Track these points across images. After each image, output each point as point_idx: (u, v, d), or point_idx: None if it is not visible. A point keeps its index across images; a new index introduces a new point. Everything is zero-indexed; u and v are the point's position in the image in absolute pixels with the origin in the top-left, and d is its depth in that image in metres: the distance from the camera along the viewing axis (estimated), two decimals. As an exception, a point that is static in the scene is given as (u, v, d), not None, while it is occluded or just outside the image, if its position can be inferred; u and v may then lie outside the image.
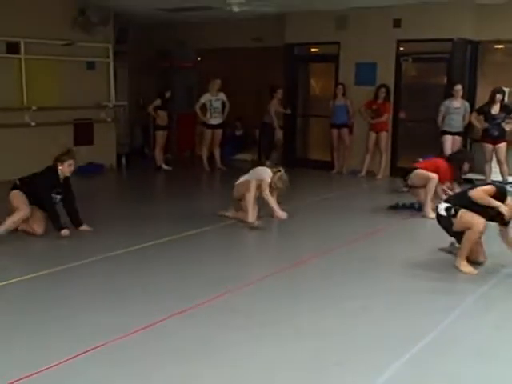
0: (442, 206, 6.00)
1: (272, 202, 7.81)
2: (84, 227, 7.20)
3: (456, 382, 3.76)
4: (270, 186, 7.76)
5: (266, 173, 7.86)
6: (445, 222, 6.00)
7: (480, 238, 5.88)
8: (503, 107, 10.18)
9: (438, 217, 6.08)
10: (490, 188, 5.85)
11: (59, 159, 7.06)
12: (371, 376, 3.78)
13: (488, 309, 5.00)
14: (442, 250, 6.47)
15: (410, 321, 4.69)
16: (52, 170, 7.09)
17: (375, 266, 6.14)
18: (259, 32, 13.02)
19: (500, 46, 11.49)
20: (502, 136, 10.22)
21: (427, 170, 8.20)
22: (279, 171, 7.87)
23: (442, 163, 8.26)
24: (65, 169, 7.04)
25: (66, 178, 7.15)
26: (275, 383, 3.72)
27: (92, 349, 4.06)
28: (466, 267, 5.88)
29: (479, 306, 5.07)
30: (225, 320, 4.68)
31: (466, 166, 8.29)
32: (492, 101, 10.17)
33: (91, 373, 3.80)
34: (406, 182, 8.54)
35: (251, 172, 8.01)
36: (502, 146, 10.24)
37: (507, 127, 10.20)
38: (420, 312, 4.90)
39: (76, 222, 7.18)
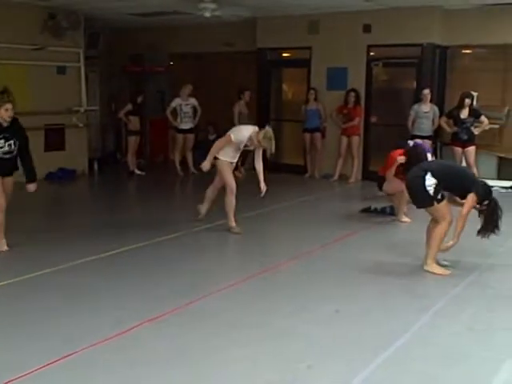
0: (431, 181, 5.80)
1: (260, 171, 7.69)
2: (32, 186, 6.67)
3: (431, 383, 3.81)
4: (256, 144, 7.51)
5: (246, 130, 7.63)
6: (419, 193, 5.92)
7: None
8: (472, 111, 10.34)
9: (417, 183, 5.91)
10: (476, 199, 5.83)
11: None
12: (345, 379, 3.81)
13: (460, 310, 5.07)
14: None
15: (383, 323, 4.74)
16: None
17: (349, 269, 6.19)
18: (231, 37, 13.05)
19: (468, 51, 11.69)
20: (470, 140, 10.37)
21: (388, 167, 8.19)
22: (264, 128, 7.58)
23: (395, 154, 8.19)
24: (2, 114, 6.37)
25: (13, 122, 6.48)
26: (259, 374, 3.74)
27: (62, 358, 4.03)
28: (437, 269, 5.97)
29: (451, 308, 5.13)
30: (198, 325, 4.68)
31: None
32: (461, 105, 10.32)
33: (62, 382, 3.77)
34: (381, 189, 8.58)
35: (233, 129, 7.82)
36: (471, 149, 10.40)
37: (476, 131, 10.37)
38: (393, 315, 4.95)
39: (28, 175, 6.63)
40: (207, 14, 10.42)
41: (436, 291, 5.55)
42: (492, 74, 11.28)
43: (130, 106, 12.21)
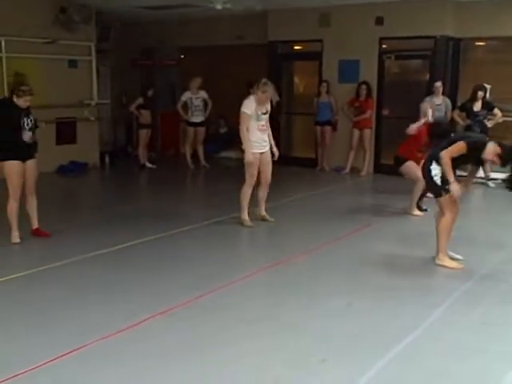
0: (436, 170, 5.82)
1: (270, 137, 7.64)
2: (32, 162, 6.91)
3: (442, 379, 3.78)
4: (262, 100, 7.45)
5: (248, 100, 7.57)
6: (429, 182, 6.00)
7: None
8: (485, 104, 10.25)
9: (426, 171, 5.95)
10: (460, 146, 5.66)
11: (16, 93, 6.58)
12: (356, 373, 3.79)
13: (473, 305, 5.03)
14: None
15: (395, 318, 4.71)
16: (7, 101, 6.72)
17: (361, 263, 6.16)
18: (242, 30, 13.00)
19: (481, 43, 11.58)
20: (484, 133, 10.27)
21: (412, 146, 8.01)
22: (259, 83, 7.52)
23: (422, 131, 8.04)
24: (20, 103, 6.58)
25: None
26: (260, 381, 3.72)
27: (73, 350, 4.04)
28: (450, 263, 5.92)
29: (464, 303, 5.09)
30: (209, 319, 4.67)
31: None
32: (474, 98, 10.24)
33: (74, 373, 3.78)
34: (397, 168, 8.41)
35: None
36: None
37: (489, 124, 10.28)
38: (404, 309, 4.92)
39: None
40: (218, 7, 10.40)
41: (448, 285, 5.50)
42: (505, 67, 11.16)
43: (141, 100, 12.21)
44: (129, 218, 8.01)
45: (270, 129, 7.65)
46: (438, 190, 5.86)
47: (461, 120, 10.51)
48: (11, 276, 5.55)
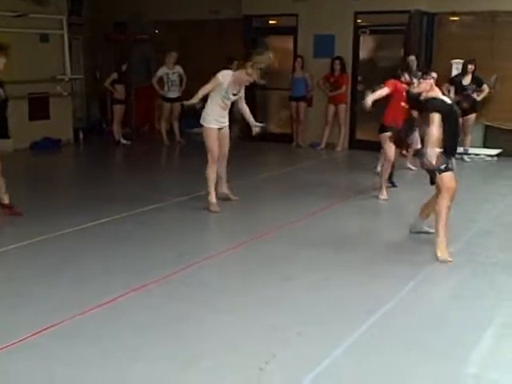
0: (434, 152, 5.45)
1: (247, 111, 7.38)
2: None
3: (416, 349, 3.85)
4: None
5: (221, 73, 7.07)
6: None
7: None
8: (474, 79, 10.39)
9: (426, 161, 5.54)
10: (436, 118, 5.49)
11: None
12: (331, 346, 3.84)
13: (446, 277, 5.12)
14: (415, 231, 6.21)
15: (370, 291, 4.77)
16: None
17: (336, 237, 6.21)
18: (217, 4, 12.88)
19: (455, 18, 11.59)
20: (471, 107, 10.42)
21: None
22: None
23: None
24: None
25: None
26: (237, 354, 3.76)
27: (49, 327, 4.04)
28: (443, 252, 5.48)
29: (438, 275, 5.18)
30: (185, 294, 4.69)
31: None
32: (464, 71, 10.38)
33: (50, 350, 3.79)
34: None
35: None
36: (471, 117, 10.51)
37: (478, 97, 10.41)
38: (379, 282, 4.98)
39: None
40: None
41: (421, 259, 5.57)
42: (480, 42, 11.21)
43: (115, 75, 12.04)
44: (103, 195, 7.94)
45: (246, 105, 7.42)
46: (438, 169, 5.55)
47: (449, 93, 10.60)
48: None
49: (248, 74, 6.96)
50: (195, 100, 6.98)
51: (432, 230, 5.95)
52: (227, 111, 7.19)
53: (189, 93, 12.75)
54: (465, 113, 10.42)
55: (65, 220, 6.59)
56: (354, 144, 11.84)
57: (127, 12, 13.83)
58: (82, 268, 5.23)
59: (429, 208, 5.99)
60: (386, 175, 7.90)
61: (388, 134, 7.70)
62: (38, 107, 11.74)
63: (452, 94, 10.55)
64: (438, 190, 5.68)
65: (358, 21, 11.61)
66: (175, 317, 4.28)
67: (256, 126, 7.39)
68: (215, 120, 7.09)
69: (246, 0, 12.42)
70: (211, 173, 7.11)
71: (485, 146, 11.14)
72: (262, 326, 4.13)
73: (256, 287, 4.82)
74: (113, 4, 13.84)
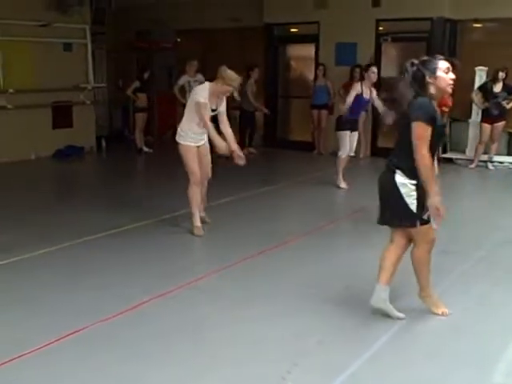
0: (410, 187, 4.04)
1: (229, 134, 6.36)
2: None
3: (437, 359, 3.80)
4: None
5: (203, 87, 6.40)
6: (394, 206, 4.15)
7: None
8: (505, 86, 10.33)
9: (398, 196, 4.08)
10: (422, 129, 3.92)
11: None
12: (352, 354, 3.81)
13: (469, 286, 5.05)
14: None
15: (392, 298, 4.71)
16: None
17: (359, 246, 6.16)
18: (238, 12, 12.92)
19: (478, 25, 11.52)
20: (501, 115, 10.37)
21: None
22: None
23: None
24: None
25: None
26: (258, 363, 3.74)
27: (71, 333, 4.05)
28: (438, 307, 4.43)
29: (460, 284, 5.11)
30: (205, 302, 4.70)
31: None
32: (495, 78, 10.34)
33: (72, 357, 3.80)
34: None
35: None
36: (500, 124, 10.45)
37: (508, 105, 10.35)
38: (401, 289, 4.93)
39: None
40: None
41: (445, 267, 5.49)
42: (502, 49, 11.12)
43: (137, 83, 12.14)
44: (127, 202, 7.98)
45: (228, 124, 6.42)
46: (414, 219, 4.09)
47: (477, 100, 10.54)
48: (6, 261, 5.55)
49: (227, 84, 6.19)
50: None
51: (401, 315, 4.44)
52: (205, 129, 6.32)
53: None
54: (494, 120, 10.39)
55: (88, 226, 6.63)
56: (376, 151, 11.78)
57: (150, 21, 13.94)
58: (103, 274, 5.26)
59: (390, 267, 4.35)
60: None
61: None
62: (62, 115, 11.87)
63: (480, 102, 10.50)
64: (402, 240, 4.32)
65: (380, 28, 11.58)
66: (195, 324, 4.27)
67: (239, 158, 6.22)
68: (191, 138, 6.38)
69: (268, 8, 12.45)
70: (194, 194, 6.43)
71: (509, 154, 11.03)
72: (280, 335, 4.10)
73: (274, 296, 4.79)
74: (135, 13, 13.97)
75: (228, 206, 7.69)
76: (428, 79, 4.07)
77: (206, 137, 6.44)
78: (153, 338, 4.05)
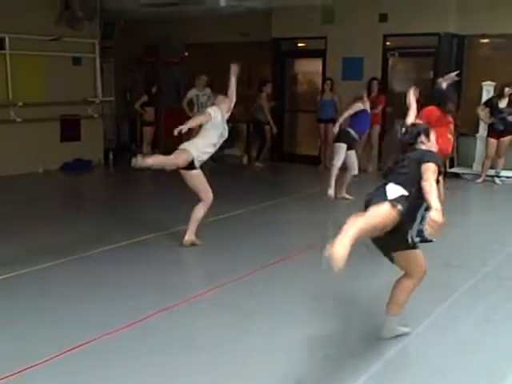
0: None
1: None
2: None
3: (446, 374, 3.77)
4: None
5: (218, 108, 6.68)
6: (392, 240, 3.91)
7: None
8: (511, 102, 10.35)
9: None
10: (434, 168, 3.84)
11: None
12: (359, 368, 3.78)
13: (477, 301, 5.02)
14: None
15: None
16: None
17: (365, 257, 6.13)
18: (246, 27, 12.98)
19: (486, 41, 11.55)
20: (507, 130, 10.38)
21: None
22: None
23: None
24: None
25: None
26: (266, 373, 3.72)
27: (77, 346, 4.05)
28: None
29: (468, 299, 5.09)
30: (212, 315, 4.69)
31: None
32: (501, 94, 10.35)
33: (78, 369, 3.80)
34: None
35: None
36: (506, 139, 10.47)
37: None
38: (409, 305, 4.91)
39: None
40: (222, 4, 10.39)
41: (452, 282, 5.49)
42: (510, 64, 11.13)
43: (145, 97, 12.23)
44: (131, 216, 7.99)
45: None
46: (399, 243, 3.97)
47: (483, 115, 10.53)
48: (13, 273, 5.56)
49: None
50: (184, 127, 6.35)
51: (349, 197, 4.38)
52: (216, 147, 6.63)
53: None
54: (500, 135, 10.39)
55: (96, 239, 6.64)
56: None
57: (158, 35, 14.03)
58: (109, 287, 5.26)
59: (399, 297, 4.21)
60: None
61: None
62: (70, 129, 11.93)
63: (487, 117, 10.50)
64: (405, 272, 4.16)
65: (387, 43, 11.62)
66: (200, 338, 4.27)
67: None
68: (202, 159, 6.51)
69: (275, 23, 12.52)
70: (203, 213, 6.47)
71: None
72: (288, 347, 4.09)
73: (282, 308, 4.79)
74: (144, 28, 14.05)
75: (230, 220, 7.69)
76: (423, 139, 4.17)
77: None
78: (158, 351, 4.04)
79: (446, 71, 10.90)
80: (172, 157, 6.34)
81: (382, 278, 5.56)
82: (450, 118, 7.55)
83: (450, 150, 7.65)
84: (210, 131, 6.45)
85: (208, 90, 12.31)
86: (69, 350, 3.98)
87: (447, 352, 4.08)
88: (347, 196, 8.89)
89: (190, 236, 6.44)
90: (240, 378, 3.70)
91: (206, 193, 6.41)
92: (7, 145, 10.66)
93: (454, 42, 11.26)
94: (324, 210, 8.49)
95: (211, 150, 6.52)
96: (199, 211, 6.41)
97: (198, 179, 6.39)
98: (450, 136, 7.41)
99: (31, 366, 3.76)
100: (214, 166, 11.03)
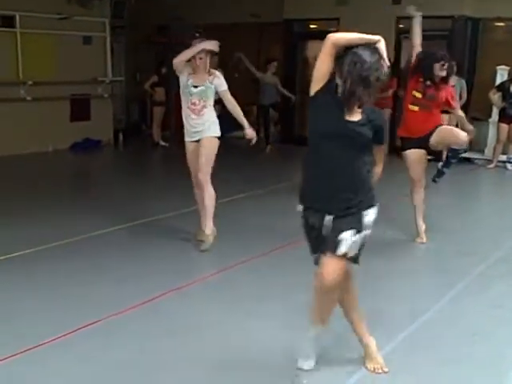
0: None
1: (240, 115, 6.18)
2: None
3: (451, 364, 3.73)
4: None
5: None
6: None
7: None
8: None
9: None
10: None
11: None
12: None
13: (486, 288, 4.98)
14: None
15: (408, 300, 4.67)
16: None
17: (377, 245, 6.07)
18: (257, 7, 12.87)
19: (501, 24, 11.39)
20: None
21: None
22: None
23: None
24: None
25: None
26: (276, 353, 3.71)
27: (84, 326, 4.05)
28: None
29: (477, 285, 5.04)
30: (219, 297, 4.67)
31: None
32: None
33: (85, 349, 3.80)
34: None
35: None
36: None
37: None
38: (418, 292, 4.88)
39: None
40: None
41: (461, 268, 5.44)
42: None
43: (155, 78, 12.18)
44: (140, 197, 7.99)
45: (235, 105, 6.21)
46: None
47: (494, 99, 10.39)
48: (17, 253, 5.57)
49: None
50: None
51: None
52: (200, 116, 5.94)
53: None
54: (511, 120, 10.28)
55: (104, 220, 6.64)
56: (394, 149, 11.68)
57: (169, 15, 13.93)
58: (119, 268, 5.26)
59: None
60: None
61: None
62: (80, 108, 11.91)
63: (498, 101, 10.38)
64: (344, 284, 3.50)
65: (400, 26, 11.48)
66: (211, 318, 4.25)
67: (249, 132, 6.15)
68: (186, 131, 6.00)
69: (288, 3, 12.39)
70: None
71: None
72: (294, 331, 4.06)
73: (290, 293, 4.75)
74: (155, 7, 13.96)
75: (239, 204, 7.66)
76: None
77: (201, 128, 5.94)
78: (166, 332, 4.03)
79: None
80: None
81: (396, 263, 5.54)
82: None
83: None
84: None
85: (219, 71, 12.21)
86: (76, 330, 3.98)
87: (455, 340, 4.04)
88: None
89: (211, 229, 5.79)
90: (248, 360, 3.69)
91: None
92: (17, 123, 10.65)
93: (468, 25, 11.11)
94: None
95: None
96: (211, 200, 5.83)
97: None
98: None
99: (38, 345, 3.77)
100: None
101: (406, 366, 3.68)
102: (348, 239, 3.26)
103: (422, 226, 6.05)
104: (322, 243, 3.36)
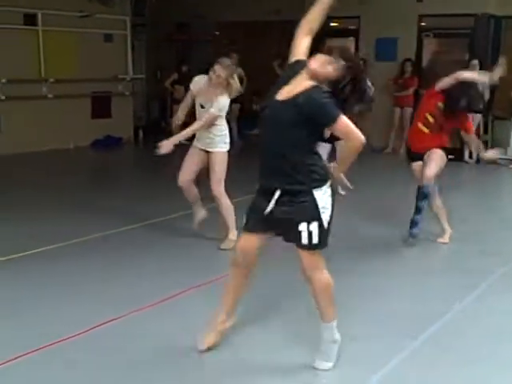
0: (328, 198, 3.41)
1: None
2: None
3: (477, 363, 3.69)
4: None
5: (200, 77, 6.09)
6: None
7: None
8: None
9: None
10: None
11: None
12: (387, 355, 3.73)
13: (510, 289, 4.92)
14: None
15: (429, 300, 4.63)
16: None
17: (392, 242, 6.05)
18: (279, 4, 12.85)
19: (524, 22, 11.27)
20: None
21: None
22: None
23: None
24: None
25: None
26: (293, 356, 3.69)
27: (105, 322, 4.07)
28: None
29: (501, 285, 4.98)
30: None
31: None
32: None
33: (104, 346, 3.81)
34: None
35: None
36: None
37: None
38: (439, 291, 4.83)
39: None
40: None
41: (484, 269, 5.37)
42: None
43: (175, 76, 12.20)
44: (159, 194, 7.98)
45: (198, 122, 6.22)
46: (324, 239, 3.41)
47: None
48: (41, 248, 5.59)
49: (226, 77, 5.84)
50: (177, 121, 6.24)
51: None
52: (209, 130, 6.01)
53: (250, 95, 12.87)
54: None
55: (124, 217, 6.65)
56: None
57: (189, 13, 13.95)
58: (137, 266, 5.26)
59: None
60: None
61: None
62: (101, 106, 11.97)
63: None
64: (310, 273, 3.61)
65: (422, 24, 11.40)
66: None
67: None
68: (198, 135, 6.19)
69: (309, 2, 12.31)
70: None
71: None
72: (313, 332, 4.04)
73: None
74: (175, 5, 13.99)
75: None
76: None
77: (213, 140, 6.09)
78: (187, 329, 4.02)
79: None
80: None
81: (416, 263, 5.48)
82: None
83: None
84: None
85: (239, 70, 12.21)
86: (95, 327, 3.99)
87: (477, 340, 3.99)
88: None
89: (235, 235, 5.57)
90: (266, 358, 3.67)
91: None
92: (39, 120, 10.74)
93: (490, 23, 10.99)
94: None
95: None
96: (229, 210, 5.83)
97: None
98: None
99: (59, 341, 3.78)
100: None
101: (430, 366, 3.64)
102: (305, 231, 3.34)
103: (448, 230, 5.98)
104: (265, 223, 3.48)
